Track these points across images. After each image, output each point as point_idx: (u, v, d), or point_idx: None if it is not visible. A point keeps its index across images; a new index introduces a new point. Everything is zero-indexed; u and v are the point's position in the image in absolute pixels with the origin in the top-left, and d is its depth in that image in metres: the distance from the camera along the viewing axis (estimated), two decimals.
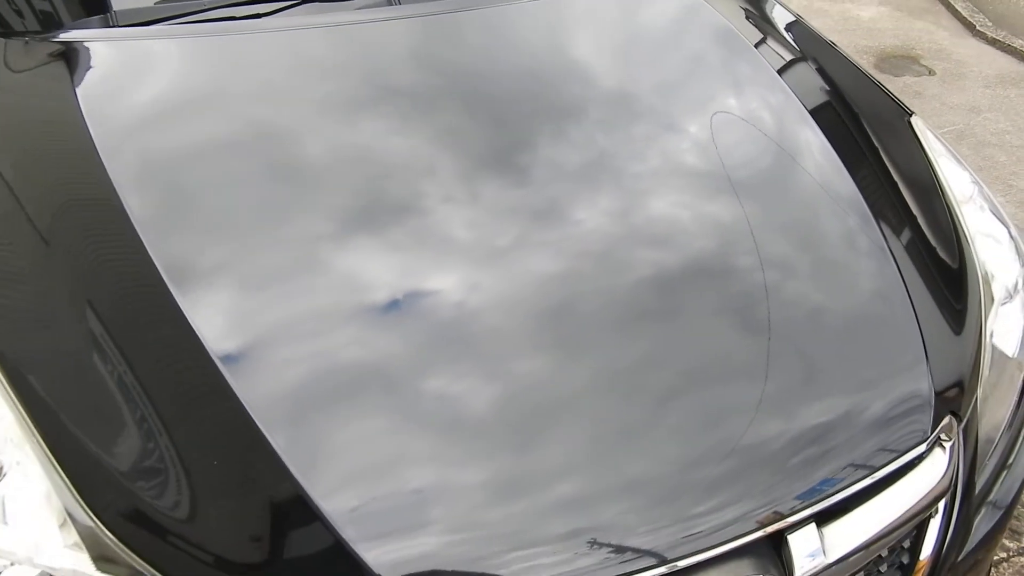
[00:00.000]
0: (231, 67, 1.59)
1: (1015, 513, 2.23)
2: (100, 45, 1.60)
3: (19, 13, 1.75)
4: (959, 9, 5.10)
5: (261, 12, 1.67)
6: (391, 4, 1.75)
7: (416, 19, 1.71)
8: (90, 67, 1.58)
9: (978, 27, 4.88)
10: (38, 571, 1.03)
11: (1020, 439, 1.49)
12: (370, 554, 1.00)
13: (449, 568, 1.02)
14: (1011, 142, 3.77)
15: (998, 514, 1.41)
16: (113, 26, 1.65)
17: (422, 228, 1.32)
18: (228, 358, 1.12)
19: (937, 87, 4.28)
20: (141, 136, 1.41)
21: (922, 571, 1.29)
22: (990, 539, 1.41)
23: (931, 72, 4.45)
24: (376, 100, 1.56)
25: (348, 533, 1.00)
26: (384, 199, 1.36)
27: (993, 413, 1.45)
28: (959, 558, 1.33)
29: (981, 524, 1.38)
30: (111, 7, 1.69)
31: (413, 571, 1.00)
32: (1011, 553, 2.12)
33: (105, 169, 1.31)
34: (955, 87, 4.28)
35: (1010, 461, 1.46)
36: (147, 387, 1.09)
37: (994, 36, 4.76)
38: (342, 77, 1.61)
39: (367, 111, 1.54)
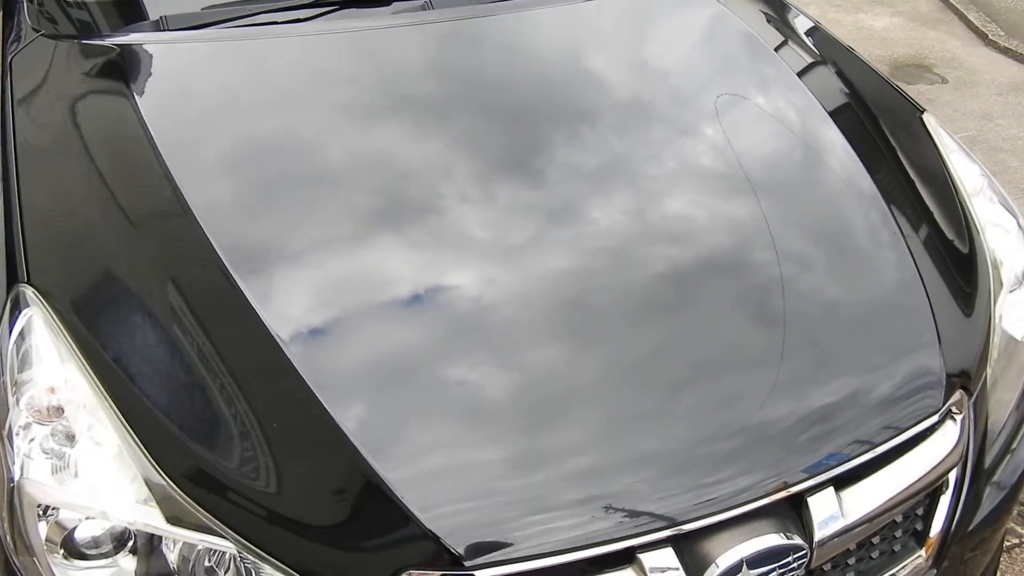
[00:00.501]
0: (276, 69, 1.68)
1: None
2: (152, 47, 1.70)
3: (69, 17, 1.85)
4: (972, 19, 5.15)
5: (302, 17, 1.77)
6: (425, 9, 1.84)
7: (449, 23, 1.81)
8: (143, 68, 1.67)
9: (991, 36, 4.93)
10: (112, 525, 1.12)
11: None
12: (425, 514, 1.08)
13: (488, 529, 1.10)
14: (1023, 145, 3.83)
15: (1002, 494, 1.47)
16: (163, 30, 1.75)
17: (453, 221, 1.42)
18: (287, 337, 1.21)
19: (950, 95, 4.35)
20: (196, 134, 1.51)
21: (933, 544, 1.35)
22: (995, 518, 1.46)
23: (944, 80, 4.51)
24: (416, 100, 1.65)
25: (403, 495, 1.08)
26: (428, 192, 1.45)
27: (1002, 395, 1.51)
28: (968, 529, 1.39)
29: (986, 503, 1.44)
30: (159, 12, 1.79)
31: (454, 526, 1.08)
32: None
33: (167, 165, 1.41)
34: (968, 94, 4.34)
35: (1014, 445, 1.52)
36: (214, 359, 1.18)
37: (1007, 45, 4.82)
38: (377, 80, 1.70)
39: (408, 111, 1.63)
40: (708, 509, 1.14)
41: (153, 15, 1.79)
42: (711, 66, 1.86)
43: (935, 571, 1.35)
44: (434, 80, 1.71)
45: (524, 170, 1.53)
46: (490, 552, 1.07)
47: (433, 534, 1.06)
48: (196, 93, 1.62)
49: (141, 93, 1.58)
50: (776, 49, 1.92)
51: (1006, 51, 4.80)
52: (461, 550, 1.06)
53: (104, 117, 1.57)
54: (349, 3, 1.80)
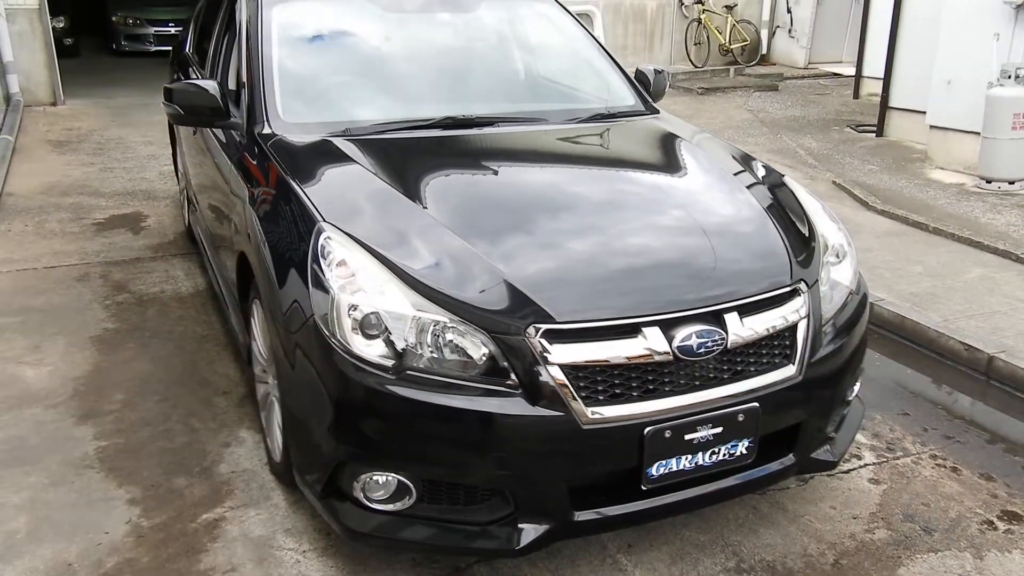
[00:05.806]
0: (439, 152, 3.08)
1: (885, 443, 3.41)
2: (360, 143, 3.06)
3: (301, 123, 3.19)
4: (857, 193, 6.77)
5: (462, 121, 3.31)
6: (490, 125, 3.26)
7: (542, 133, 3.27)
8: (359, 151, 3.01)
9: (871, 204, 6.51)
10: (384, 313, 2.27)
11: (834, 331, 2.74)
12: (536, 297, 2.28)
13: (571, 303, 2.27)
14: (892, 266, 5.23)
15: (831, 347, 2.63)
16: (351, 137, 3.11)
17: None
18: (461, 230, 2.45)
19: None
20: (404, 174, 2.86)
21: (797, 361, 2.52)
22: (829, 356, 2.61)
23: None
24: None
25: (525, 289, 2.29)
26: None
27: (831, 305, 2.74)
28: (815, 358, 2.56)
29: (823, 346, 2.60)
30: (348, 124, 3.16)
31: (552, 300, 2.27)
32: (889, 458, 3.28)
33: (396, 188, 2.74)
34: (855, 237, 5.78)
35: (837, 320, 2.72)
36: (431, 246, 2.43)
37: (883, 208, 6.38)
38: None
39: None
40: (677, 307, 2.35)
41: (339, 127, 3.16)
42: (672, 154, 3.28)
43: (800, 378, 2.51)
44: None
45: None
46: (571, 315, 2.25)
47: (541, 307, 2.25)
48: (393, 160, 2.98)
49: (365, 159, 2.92)
50: (709, 155, 3.34)
51: (883, 212, 6.35)
52: (555, 315, 2.24)
53: (338, 166, 2.90)
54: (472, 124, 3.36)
